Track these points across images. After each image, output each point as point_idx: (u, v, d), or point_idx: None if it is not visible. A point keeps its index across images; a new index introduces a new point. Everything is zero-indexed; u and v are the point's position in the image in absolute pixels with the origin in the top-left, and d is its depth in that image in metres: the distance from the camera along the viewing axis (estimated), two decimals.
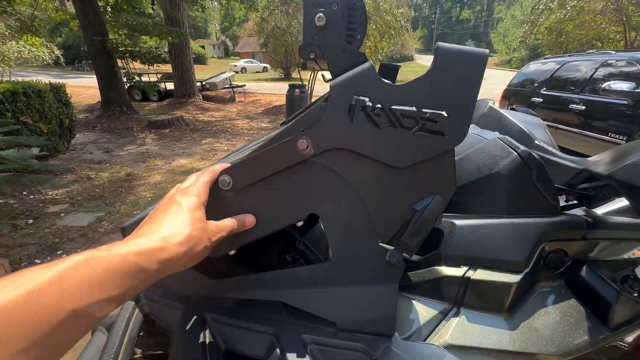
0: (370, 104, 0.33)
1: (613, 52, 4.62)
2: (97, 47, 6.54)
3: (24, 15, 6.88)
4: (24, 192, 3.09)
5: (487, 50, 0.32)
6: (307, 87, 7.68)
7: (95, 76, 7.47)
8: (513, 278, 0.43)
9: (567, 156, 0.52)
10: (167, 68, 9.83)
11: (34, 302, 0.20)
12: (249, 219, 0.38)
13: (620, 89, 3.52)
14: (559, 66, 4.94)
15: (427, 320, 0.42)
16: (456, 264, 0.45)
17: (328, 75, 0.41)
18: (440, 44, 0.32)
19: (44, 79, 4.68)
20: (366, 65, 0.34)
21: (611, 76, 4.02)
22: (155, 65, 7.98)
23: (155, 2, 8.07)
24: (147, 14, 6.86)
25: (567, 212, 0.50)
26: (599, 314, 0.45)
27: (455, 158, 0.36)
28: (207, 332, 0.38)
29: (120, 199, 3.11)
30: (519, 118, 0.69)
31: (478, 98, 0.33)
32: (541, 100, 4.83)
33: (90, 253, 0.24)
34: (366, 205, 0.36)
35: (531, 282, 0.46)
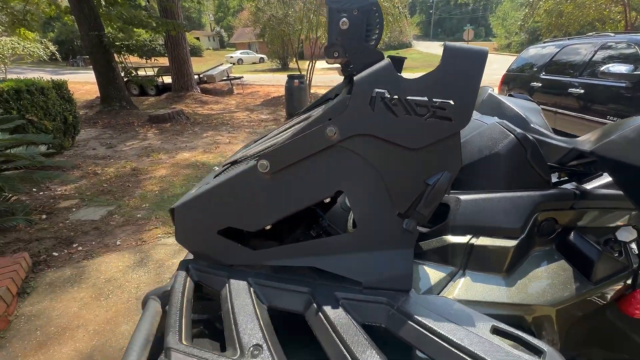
0: (389, 96, 0.39)
1: (612, 35, 4.61)
2: (93, 42, 6.50)
3: (17, 10, 6.80)
4: (34, 189, 3.15)
5: (487, 48, 0.38)
6: (305, 78, 7.64)
7: (92, 71, 7.43)
8: (510, 243, 0.50)
9: (558, 137, 0.59)
10: (165, 61, 9.75)
11: None
12: None
13: (619, 71, 3.55)
14: (558, 50, 4.93)
15: (438, 281, 0.50)
16: (461, 233, 0.52)
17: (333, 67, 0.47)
18: (448, 43, 0.38)
19: (42, 75, 4.68)
20: (384, 62, 0.40)
21: (610, 59, 4.03)
22: (152, 58, 7.92)
23: None
24: (142, 7, 6.78)
25: (558, 186, 0.57)
26: (585, 271, 0.53)
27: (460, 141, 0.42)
28: (252, 292, 0.45)
29: (129, 193, 3.17)
30: (516, 103, 0.75)
31: None
32: (540, 84, 4.85)
33: None
34: (385, 182, 0.42)
35: (526, 247, 0.53)
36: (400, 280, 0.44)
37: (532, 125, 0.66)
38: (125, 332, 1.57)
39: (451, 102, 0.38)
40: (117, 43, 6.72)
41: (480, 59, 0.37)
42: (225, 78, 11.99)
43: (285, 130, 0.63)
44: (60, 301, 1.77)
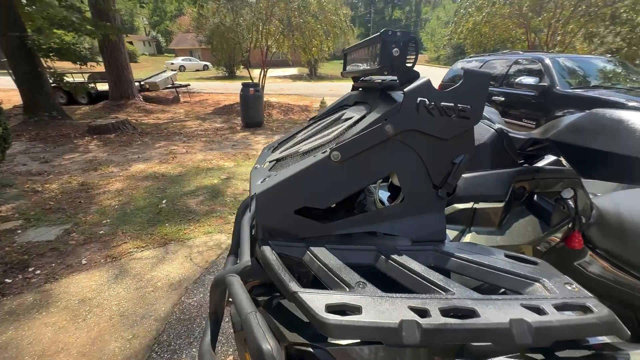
0: (428, 102, 0.56)
1: (521, 53, 5.58)
2: (14, 45, 5.73)
3: None
4: None
5: (489, 72, 0.57)
6: (259, 86, 7.67)
7: (9, 77, 6.50)
8: (499, 205, 0.72)
9: (517, 132, 0.84)
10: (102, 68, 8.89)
11: None
12: None
13: (528, 82, 4.33)
14: (481, 64, 5.79)
15: (454, 236, 0.68)
16: (466, 201, 0.71)
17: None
18: (466, 68, 0.56)
19: None
20: (425, 79, 0.57)
21: (521, 72, 4.89)
22: (88, 64, 7.19)
23: None
24: (73, 7, 6.15)
25: (522, 165, 0.80)
26: (545, 220, 0.76)
27: None
28: (332, 253, 0.57)
29: (83, 209, 2.91)
30: (486, 112, 1.00)
31: None
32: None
33: None
34: (425, 163, 0.59)
35: (508, 207, 0.75)
36: (438, 233, 0.61)
37: (495, 124, 0.91)
38: (116, 350, 1.51)
39: (469, 106, 0.56)
40: (44, 46, 6.00)
41: (486, 77, 0.56)
42: (170, 86, 11.37)
43: (320, 131, 0.77)
44: (29, 328, 1.60)
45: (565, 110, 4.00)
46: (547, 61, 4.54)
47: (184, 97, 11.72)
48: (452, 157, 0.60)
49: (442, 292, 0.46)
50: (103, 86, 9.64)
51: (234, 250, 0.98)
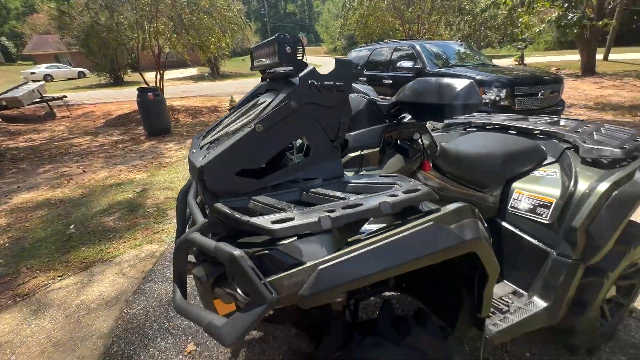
0: (316, 83, 0.82)
1: (398, 41, 6.55)
2: None
3: None
4: None
5: (350, 59, 0.86)
6: (159, 90, 7.09)
7: None
8: (376, 150, 1.05)
9: (384, 98, 1.19)
10: None
11: None
12: None
13: (406, 66, 5.19)
14: (370, 52, 6.60)
15: (352, 174, 0.98)
16: (356, 150, 1.02)
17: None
18: (337, 58, 0.83)
19: None
20: (311, 68, 0.83)
21: (401, 58, 5.79)
22: None
23: None
24: None
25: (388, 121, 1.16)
26: (407, 156, 1.13)
27: None
28: (270, 196, 0.79)
29: None
30: (360, 86, 1.33)
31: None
32: (365, 79, 6.34)
33: None
34: (322, 125, 0.85)
35: (383, 151, 1.09)
36: (338, 172, 0.88)
37: (371, 95, 1.25)
38: None
39: (343, 83, 0.84)
40: None
41: (349, 62, 0.85)
42: (38, 100, 9.40)
43: (250, 109, 0.97)
44: None
45: None
46: (418, 47, 5.50)
47: (61, 112, 9.93)
48: (338, 119, 0.88)
49: (342, 200, 0.74)
50: None
51: (181, 232, 1.11)
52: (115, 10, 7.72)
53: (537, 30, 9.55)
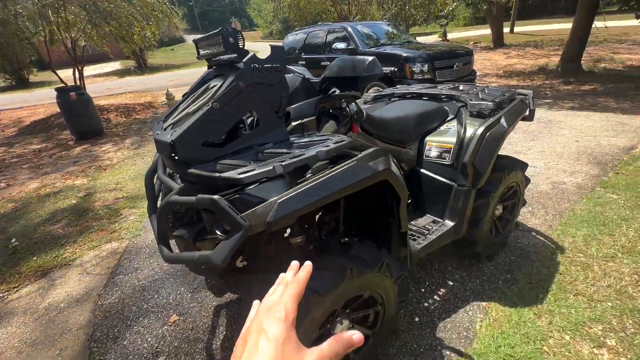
0: (258, 65, 1.02)
1: (331, 23, 6.80)
2: None
3: None
4: None
5: (282, 45, 1.06)
6: (82, 88, 6.45)
7: None
8: (312, 118, 1.30)
9: (314, 77, 1.43)
10: None
11: None
12: (357, 337, 0.30)
13: (341, 47, 5.49)
14: (306, 36, 6.75)
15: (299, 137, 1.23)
16: (297, 119, 1.26)
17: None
18: (272, 44, 1.04)
19: None
20: (252, 54, 1.02)
21: (336, 39, 6.06)
22: None
23: None
24: None
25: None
26: (338, 121, 1.42)
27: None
28: (233, 160, 0.99)
29: None
30: (297, 68, 1.56)
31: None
32: (304, 62, 6.52)
33: None
34: (267, 100, 1.06)
35: (319, 120, 1.35)
36: (284, 136, 1.11)
37: (307, 75, 1.48)
38: None
39: (279, 65, 1.06)
40: None
41: (281, 47, 1.07)
42: None
43: (203, 93, 1.14)
44: None
45: None
46: (350, 29, 5.81)
47: None
48: (279, 94, 1.10)
49: (289, 154, 0.98)
50: None
51: (153, 209, 1.27)
52: (9, 1, 6.68)
53: (451, 8, 10.54)
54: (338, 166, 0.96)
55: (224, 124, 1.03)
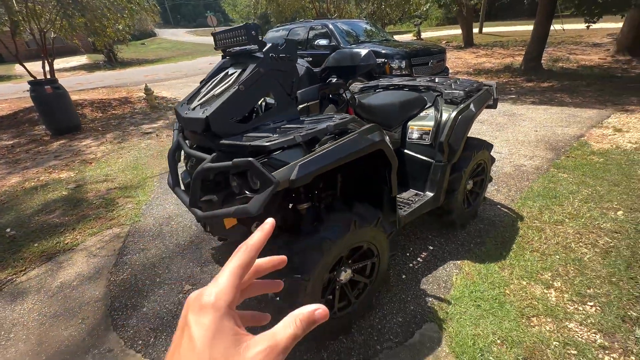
0: (275, 55, 1.22)
1: (312, 20, 6.98)
2: None
3: None
4: None
5: (292, 39, 1.27)
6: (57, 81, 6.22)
7: None
8: (317, 102, 1.52)
9: (317, 68, 1.65)
10: None
11: None
12: (320, 313, 0.24)
13: (323, 44, 5.70)
14: (287, 32, 6.89)
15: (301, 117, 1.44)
16: (302, 103, 1.46)
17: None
18: (287, 38, 1.23)
19: None
20: (270, 44, 1.22)
21: (316, 36, 6.26)
22: None
23: None
24: None
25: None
26: (337, 104, 1.64)
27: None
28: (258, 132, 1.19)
29: None
30: (299, 60, 1.78)
31: None
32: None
33: None
34: (282, 85, 1.27)
35: (322, 103, 1.57)
36: (295, 115, 1.32)
37: (308, 65, 1.70)
38: (73, 333, 1.62)
39: (290, 55, 1.27)
40: None
41: (293, 41, 1.28)
42: None
43: (223, 79, 1.32)
44: None
45: None
46: (331, 26, 6.03)
47: None
48: (291, 80, 1.31)
49: (303, 127, 1.19)
50: None
51: (176, 181, 1.44)
52: None
53: (424, 8, 11.05)
54: (343, 137, 1.19)
55: (247, 103, 1.23)
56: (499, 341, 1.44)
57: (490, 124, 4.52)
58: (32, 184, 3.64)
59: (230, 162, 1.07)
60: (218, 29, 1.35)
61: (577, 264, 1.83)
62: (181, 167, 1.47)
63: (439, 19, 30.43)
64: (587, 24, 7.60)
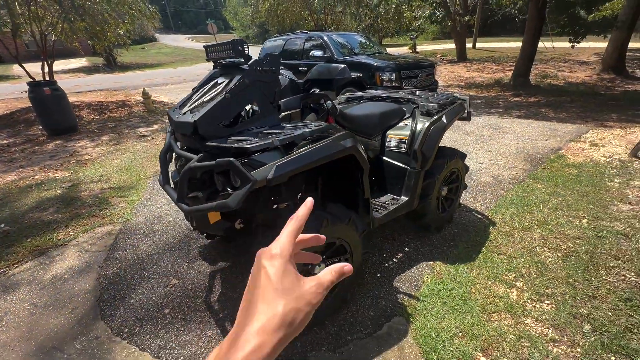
0: (258, 67, 1.36)
1: (309, 32, 7.22)
2: None
3: None
4: None
5: (276, 53, 1.41)
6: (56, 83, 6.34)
7: None
8: (298, 110, 1.65)
9: (301, 80, 1.79)
10: None
11: None
12: (347, 268, 0.33)
13: (318, 54, 5.91)
14: (285, 42, 7.11)
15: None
16: (285, 111, 1.60)
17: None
18: (268, 50, 1.37)
19: None
20: (254, 58, 1.37)
21: (313, 47, 6.48)
22: None
23: None
24: None
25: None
26: (318, 113, 1.77)
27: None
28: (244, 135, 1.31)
29: None
30: (284, 71, 1.92)
31: None
32: (282, 67, 6.86)
33: None
34: (265, 93, 1.40)
35: (303, 111, 1.71)
36: (277, 122, 1.46)
37: (293, 77, 1.84)
38: (63, 322, 1.70)
39: (273, 68, 1.41)
40: None
41: (276, 55, 1.42)
42: None
43: (212, 87, 1.46)
44: None
45: None
46: (326, 38, 6.26)
47: None
48: (274, 90, 1.45)
49: (282, 133, 1.33)
50: None
51: (166, 180, 1.57)
52: None
53: (416, 24, 11.43)
54: (318, 143, 1.33)
55: (233, 110, 1.36)
56: (460, 334, 1.55)
57: (475, 136, 4.70)
58: (27, 182, 3.72)
59: (214, 162, 1.19)
60: (218, 37, 1.55)
61: (539, 266, 1.96)
62: (172, 169, 1.60)
63: (435, 33, 31.19)
64: (571, 44, 7.94)
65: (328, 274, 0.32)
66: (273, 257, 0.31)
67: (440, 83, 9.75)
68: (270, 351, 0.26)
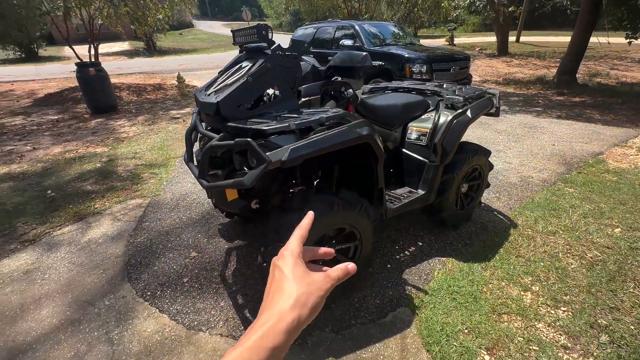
0: (281, 52, 1.40)
1: (339, 20, 7.13)
2: None
3: None
4: None
5: (301, 40, 1.43)
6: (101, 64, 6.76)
7: None
8: (319, 97, 1.68)
9: (323, 66, 1.81)
10: None
11: None
12: (352, 267, 0.37)
13: (348, 44, 5.83)
14: (316, 30, 7.08)
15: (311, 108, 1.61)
16: (306, 97, 1.64)
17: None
18: (293, 37, 1.40)
19: None
20: (277, 43, 1.40)
21: (343, 36, 6.40)
22: None
23: None
24: None
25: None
26: (337, 100, 1.80)
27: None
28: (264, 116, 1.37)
29: None
30: (307, 58, 1.94)
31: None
32: (312, 55, 6.85)
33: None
34: (286, 79, 1.44)
35: (323, 98, 1.73)
36: (296, 106, 1.50)
37: (315, 64, 1.86)
38: (95, 280, 1.89)
39: (295, 53, 1.44)
40: None
41: (300, 42, 1.44)
42: None
43: (237, 70, 1.52)
44: None
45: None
46: (357, 27, 6.15)
47: None
48: (295, 75, 1.49)
49: (299, 117, 1.36)
50: None
51: (190, 157, 1.66)
52: None
53: (454, 15, 10.85)
54: (335, 129, 1.35)
55: (254, 93, 1.41)
56: (466, 330, 1.54)
57: (507, 135, 4.48)
58: (72, 155, 4.06)
59: (233, 142, 1.26)
60: (252, 24, 1.61)
61: (559, 272, 1.88)
62: (197, 148, 1.69)
63: (476, 24, 29.49)
64: (628, 40, 7.22)
65: (335, 269, 0.36)
66: (284, 256, 0.35)
67: (476, 78, 9.28)
68: (288, 327, 0.29)
